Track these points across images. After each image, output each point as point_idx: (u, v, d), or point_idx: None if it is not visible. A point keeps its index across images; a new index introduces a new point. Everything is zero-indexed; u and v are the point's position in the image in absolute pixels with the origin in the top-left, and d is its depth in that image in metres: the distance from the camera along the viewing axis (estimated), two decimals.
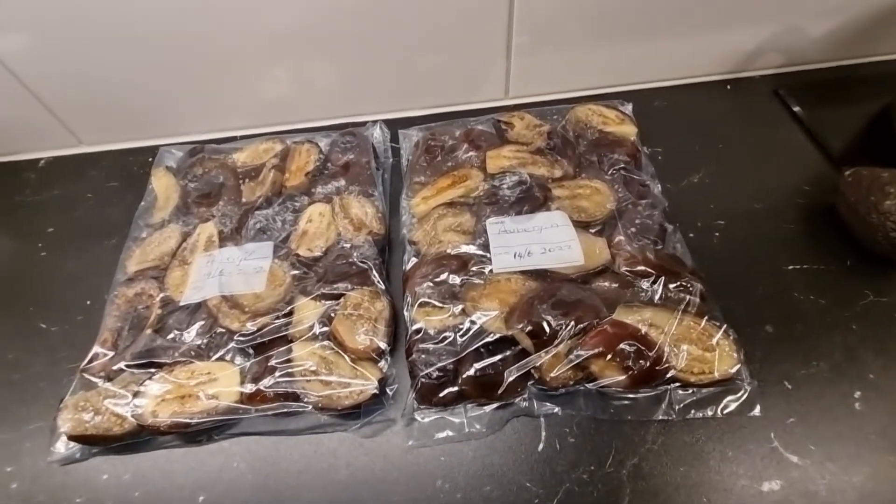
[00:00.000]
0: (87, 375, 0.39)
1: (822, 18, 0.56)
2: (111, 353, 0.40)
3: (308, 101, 0.59)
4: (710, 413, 0.36)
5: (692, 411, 0.36)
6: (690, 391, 0.36)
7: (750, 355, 0.37)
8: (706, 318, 0.37)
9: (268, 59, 0.54)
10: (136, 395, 0.38)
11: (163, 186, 0.53)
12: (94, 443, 0.37)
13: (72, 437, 0.37)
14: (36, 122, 0.58)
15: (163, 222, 0.50)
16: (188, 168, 0.54)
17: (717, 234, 0.46)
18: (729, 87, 0.60)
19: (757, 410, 0.36)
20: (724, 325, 0.37)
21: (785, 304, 0.41)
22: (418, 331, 0.39)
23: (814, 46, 0.58)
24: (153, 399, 0.37)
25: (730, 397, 0.36)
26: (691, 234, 0.46)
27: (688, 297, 0.38)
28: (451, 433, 0.37)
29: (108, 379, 0.39)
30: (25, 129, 0.59)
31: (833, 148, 0.52)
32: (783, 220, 0.47)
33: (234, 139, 0.59)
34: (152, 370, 0.39)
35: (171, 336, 0.41)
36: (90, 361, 0.40)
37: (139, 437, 0.38)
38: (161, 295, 0.44)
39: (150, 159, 0.57)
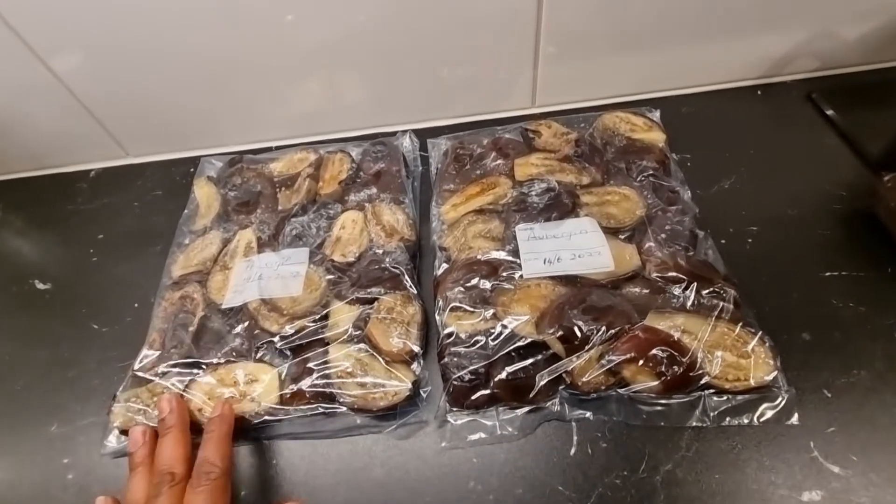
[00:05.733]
0: (137, 373, 0.42)
1: (857, 22, 0.55)
2: (159, 353, 0.43)
3: (339, 112, 0.61)
4: (745, 421, 0.35)
5: (727, 418, 0.36)
6: (725, 398, 0.36)
7: (786, 363, 0.37)
8: (741, 324, 0.37)
9: (301, 75, 0.57)
10: (182, 393, 0.39)
11: (204, 195, 0.56)
12: None
13: (123, 432, 0.39)
14: (88, 135, 0.61)
15: (205, 229, 0.52)
16: (228, 177, 0.56)
17: (749, 240, 0.46)
18: (759, 92, 0.59)
19: (795, 419, 0.35)
20: (760, 332, 0.37)
21: (822, 311, 0.41)
22: (450, 334, 0.40)
23: (848, 50, 0.57)
24: (198, 398, 0.39)
25: (766, 405, 0.36)
26: (723, 241, 0.46)
27: (721, 303, 0.38)
28: (483, 435, 0.37)
29: (157, 377, 0.41)
30: (78, 142, 0.63)
31: (869, 152, 0.51)
32: (818, 226, 0.46)
33: (269, 150, 0.62)
34: (197, 371, 0.41)
35: (214, 338, 0.43)
36: (140, 360, 0.42)
37: None
38: (204, 298, 0.46)
39: (192, 169, 0.60)
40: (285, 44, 0.53)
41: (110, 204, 0.61)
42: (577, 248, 0.43)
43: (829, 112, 0.55)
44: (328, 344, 0.41)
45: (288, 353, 0.42)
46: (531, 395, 0.37)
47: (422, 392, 0.39)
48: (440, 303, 0.42)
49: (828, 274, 0.43)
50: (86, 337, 0.48)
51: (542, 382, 0.37)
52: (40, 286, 0.53)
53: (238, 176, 0.56)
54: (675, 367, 0.35)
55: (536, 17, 0.52)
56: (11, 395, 0.45)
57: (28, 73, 0.54)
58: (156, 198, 0.60)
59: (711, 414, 0.36)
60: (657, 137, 0.52)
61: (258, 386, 0.39)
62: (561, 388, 0.38)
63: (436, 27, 0.52)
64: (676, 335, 0.37)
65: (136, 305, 0.50)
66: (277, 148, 0.62)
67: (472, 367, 0.38)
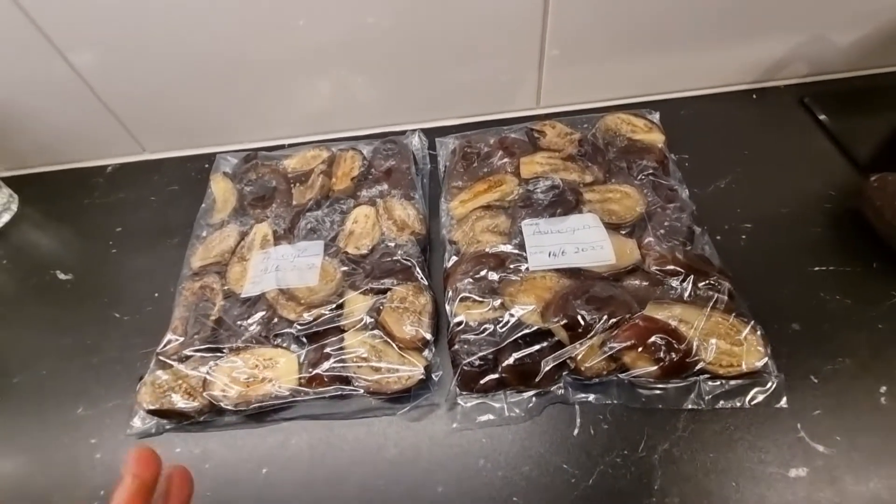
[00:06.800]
0: (162, 358, 0.44)
1: (849, 28, 0.57)
2: (182, 339, 0.45)
3: (351, 112, 0.63)
4: (738, 404, 0.38)
5: (721, 402, 0.38)
6: (719, 383, 0.38)
7: (777, 351, 0.39)
8: (734, 314, 0.39)
9: (313, 75, 0.59)
10: (206, 375, 0.42)
11: (221, 190, 0.58)
12: (170, 417, 0.41)
13: (150, 412, 0.41)
14: (105, 131, 0.63)
15: (222, 223, 0.54)
16: (243, 173, 0.58)
17: (743, 236, 0.48)
18: (754, 96, 0.61)
19: (783, 402, 0.37)
20: (752, 322, 0.39)
21: (811, 303, 0.43)
22: (459, 323, 0.42)
23: (840, 56, 0.60)
24: (221, 380, 0.41)
25: (757, 389, 0.38)
26: (718, 237, 0.48)
27: (716, 294, 0.41)
28: (491, 417, 0.40)
29: (181, 361, 0.43)
30: (96, 138, 0.64)
31: (859, 155, 0.53)
32: (809, 224, 0.48)
33: (283, 147, 0.64)
34: (219, 355, 0.43)
35: (234, 325, 0.45)
36: (164, 346, 0.44)
37: (208, 413, 0.41)
38: (223, 288, 0.48)
39: (207, 165, 0.62)
40: (299, 45, 0.55)
41: (127, 198, 0.63)
42: (581, 242, 0.45)
43: (822, 117, 0.57)
44: (344, 331, 0.43)
45: (304, 340, 0.44)
46: (537, 380, 0.39)
47: (433, 377, 0.41)
48: (450, 293, 0.44)
49: (817, 269, 0.45)
50: (108, 325, 0.50)
51: (548, 368, 0.39)
52: (62, 276, 0.55)
53: (253, 172, 0.58)
54: (673, 354, 0.38)
55: (542, 21, 0.54)
56: (38, 380, 0.47)
57: (48, 67, 0.55)
58: (172, 192, 0.62)
59: (706, 397, 0.38)
60: (657, 138, 0.54)
61: (278, 369, 0.41)
62: (565, 373, 0.40)
63: (445, 30, 0.55)
64: (674, 324, 0.39)
65: (155, 295, 0.52)
66: (291, 146, 0.64)
67: (481, 354, 0.40)
